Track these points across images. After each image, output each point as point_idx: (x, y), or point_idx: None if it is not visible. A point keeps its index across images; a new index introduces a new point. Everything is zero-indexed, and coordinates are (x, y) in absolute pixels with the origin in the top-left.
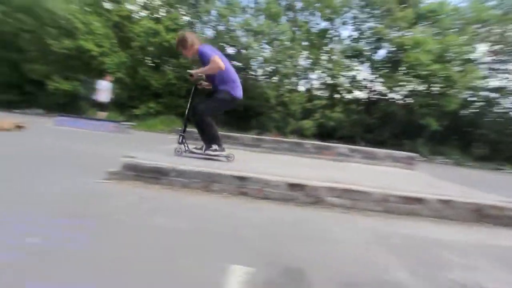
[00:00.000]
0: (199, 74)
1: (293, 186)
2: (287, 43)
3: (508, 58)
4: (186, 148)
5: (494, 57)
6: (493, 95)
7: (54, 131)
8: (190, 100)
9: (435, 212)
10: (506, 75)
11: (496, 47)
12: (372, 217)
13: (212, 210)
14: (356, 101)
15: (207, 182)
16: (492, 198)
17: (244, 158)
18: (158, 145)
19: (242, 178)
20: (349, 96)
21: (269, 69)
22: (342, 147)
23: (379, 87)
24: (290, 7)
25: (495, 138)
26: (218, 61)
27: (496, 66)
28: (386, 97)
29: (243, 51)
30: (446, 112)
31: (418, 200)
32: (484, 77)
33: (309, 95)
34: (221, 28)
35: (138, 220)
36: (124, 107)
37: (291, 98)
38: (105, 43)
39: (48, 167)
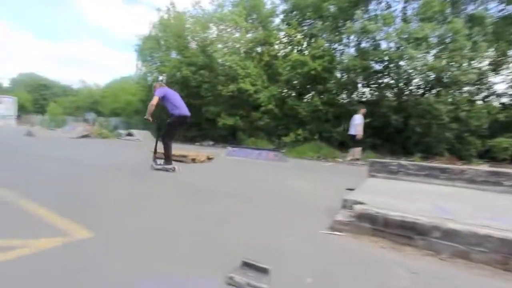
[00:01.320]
0: (149, 116)
1: None
2: (466, 43)
3: None
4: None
5: None
6: None
7: (231, 161)
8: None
9: None
10: None
11: None
12: None
13: None
14: None
15: (508, 256)
16: None
17: (509, 205)
18: (340, 177)
19: None
20: None
21: (432, 79)
22: None
23: None
24: (455, 1)
25: None
26: (152, 101)
27: None
28: None
29: (392, 65)
30: None
31: None
32: None
33: (500, 105)
34: (364, 45)
35: None
36: (272, 135)
37: (473, 111)
38: (258, 82)
39: (268, 209)
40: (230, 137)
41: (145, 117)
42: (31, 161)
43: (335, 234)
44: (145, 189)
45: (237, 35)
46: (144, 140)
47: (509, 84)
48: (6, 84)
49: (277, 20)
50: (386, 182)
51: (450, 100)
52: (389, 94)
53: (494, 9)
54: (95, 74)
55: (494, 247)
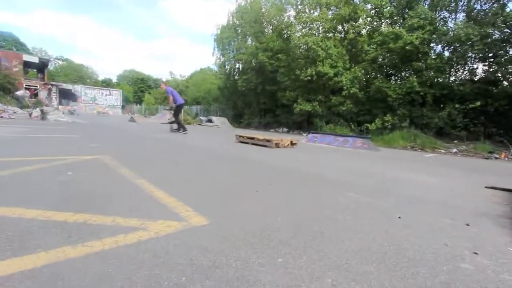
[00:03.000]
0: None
1: None
2: None
3: None
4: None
5: None
6: None
7: (314, 148)
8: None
9: None
10: None
11: None
12: None
13: None
14: None
15: None
16: None
17: None
18: (465, 172)
19: None
20: None
21: None
22: None
23: None
24: None
25: None
26: (170, 100)
27: None
28: None
29: None
30: None
31: None
32: None
33: None
34: (482, 7)
35: None
36: (352, 122)
37: None
38: (339, 63)
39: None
40: (305, 124)
41: (169, 107)
42: (139, 141)
43: None
44: (245, 173)
45: (316, 14)
46: (221, 126)
47: None
48: (114, 80)
49: None
50: None
51: None
52: None
53: None
54: (181, 66)
55: None
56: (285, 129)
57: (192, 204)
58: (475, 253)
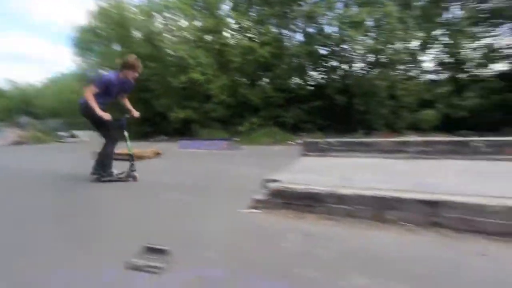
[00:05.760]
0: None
1: None
2: (397, 26)
3: None
4: None
5: None
6: None
7: (181, 154)
8: None
9: None
10: None
11: None
12: None
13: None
14: (494, 77)
15: (380, 210)
16: None
17: (407, 170)
18: (283, 159)
19: (430, 203)
20: (482, 72)
21: (372, 60)
22: None
23: None
24: None
25: None
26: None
27: None
28: None
29: (336, 48)
30: None
31: None
32: None
33: (427, 82)
34: (311, 30)
35: (335, 277)
36: (227, 124)
37: (405, 88)
38: (209, 70)
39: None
40: (184, 130)
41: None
42: None
43: (253, 212)
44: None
45: (184, 23)
46: (91, 141)
47: (435, 62)
48: None
49: (226, 7)
50: (315, 160)
51: (387, 78)
52: (334, 76)
53: None
54: (30, 71)
55: (372, 204)
56: (164, 137)
57: None
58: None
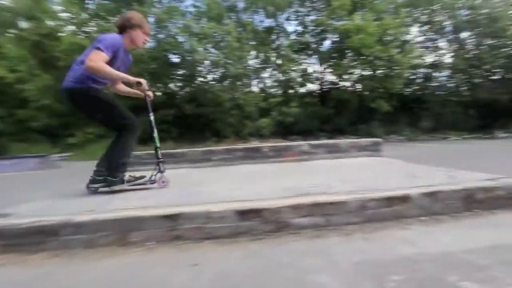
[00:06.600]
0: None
1: (245, 214)
2: (235, 44)
3: (437, 36)
4: None
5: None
6: (429, 71)
7: None
8: None
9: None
10: (438, 52)
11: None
12: (351, 235)
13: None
14: (310, 94)
15: (122, 234)
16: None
17: (186, 180)
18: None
19: (171, 217)
20: (302, 90)
21: (218, 72)
22: (304, 145)
23: (329, 76)
24: (232, 8)
25: (437, 110)
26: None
27: (428, 44)
28: (338, 86)
29: (188, 58)
30: (393, 93)
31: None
32: (421, 56)
33: (264, 94)
34: (161, 36)
35: None
36: (56, 137)
37: (246, 100)
38: (22, 67)
39: None
40: None
41: None
42: None
43: None
44: None
45: None
46: None
47: (273, 79)
48: None
49: None
50: None
51: (231, 90)
52: (184, 85)
53: (262, 19)
54: None
55: (113, 228)
56: None
57: None
58: None
